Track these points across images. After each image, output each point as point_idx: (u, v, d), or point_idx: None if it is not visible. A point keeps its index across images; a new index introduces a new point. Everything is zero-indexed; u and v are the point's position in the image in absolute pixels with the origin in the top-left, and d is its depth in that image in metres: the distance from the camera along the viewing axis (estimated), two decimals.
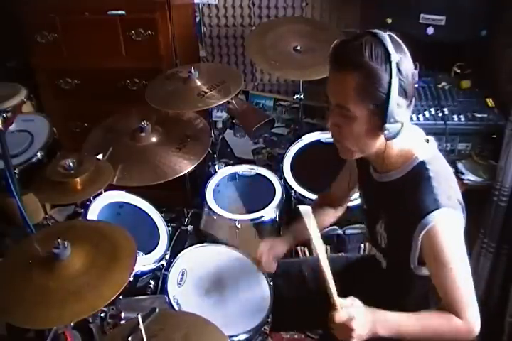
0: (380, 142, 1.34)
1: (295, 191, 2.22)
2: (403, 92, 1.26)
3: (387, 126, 1.26)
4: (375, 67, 1.22)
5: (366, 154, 1.39)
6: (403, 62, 1.25)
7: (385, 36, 1.25)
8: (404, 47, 1.29)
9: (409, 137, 1.38)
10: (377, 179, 1.46)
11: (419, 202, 1.31)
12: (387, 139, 1.30)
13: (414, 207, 1.31)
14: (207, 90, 2.18)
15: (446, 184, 1.34)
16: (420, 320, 1.34)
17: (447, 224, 1.30)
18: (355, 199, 2.15)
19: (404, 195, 1.36)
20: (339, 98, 1.29)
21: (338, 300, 1.32)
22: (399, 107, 1.26)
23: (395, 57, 1.23)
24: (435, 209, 1.29)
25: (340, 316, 1.30)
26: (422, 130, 1.46)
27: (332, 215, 1.82)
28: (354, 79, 1.24)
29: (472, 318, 1.30)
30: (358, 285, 1.65)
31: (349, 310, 1.31)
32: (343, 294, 1.64)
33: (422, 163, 1.35)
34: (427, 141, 1.43)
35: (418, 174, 1.35)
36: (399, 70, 1.24)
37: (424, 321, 1.34)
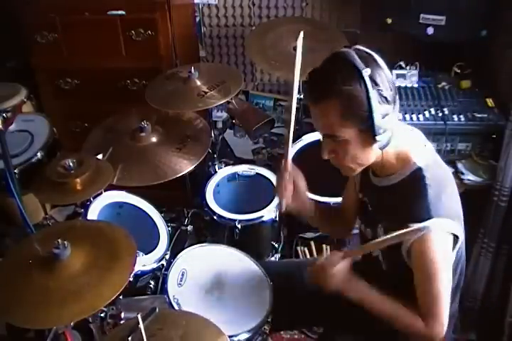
0: (375, 151, 1.36)
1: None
2: (384, 100, 1.28)
3: (378, 138, 1.29)
4: (350, 89, 1.24)
5: (367, 165, 1.40)
6: (376, 73, 1.27)
7: (351, 53, 1.27)
8: (374, 56, 1.30)
9: (406, 140, 1.39)
10: (375, 183, 1.47)
11: (413, 210, 1.32)
12: (382, 148, 1.33)
13: (407, 213, 1.33)
14: (207, 90, 2.18)
15: (442, 192, 1.34)
16: (388, 302, 1.39)
17: (436, 235, 1.30)
18: None
19: (399, 201, 1.37)
20: (326, 129, 1.33)
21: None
22: (384, 116, 1.28)
23: (365, 71, 1.24)
24: (427, 219, 1.29)
25: (324, 261, 1.41)
26: (422, 134, 1.47)
27: (342, 225, 1.79)
28: (333, 106, 1.27)
29: (434, 328, 1.34)
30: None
31: (334, 259, 1.40)
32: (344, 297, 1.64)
33: (420, 170, 1.36)
34: (424, 145, 1.44)
35: (415, 181, 1.35)
36: (374, 82, 1.26)
37: (392, 305, 1.39)
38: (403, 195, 1.36)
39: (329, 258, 1.42)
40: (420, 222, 1.29)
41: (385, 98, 1.28)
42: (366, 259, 1.64)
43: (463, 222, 1.39)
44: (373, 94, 1.25)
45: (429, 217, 1.29)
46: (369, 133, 1.29)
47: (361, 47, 1.31)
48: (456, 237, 1.36)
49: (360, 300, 1.42)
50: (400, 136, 1.37)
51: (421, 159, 1.37)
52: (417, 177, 1.35)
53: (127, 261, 1.48)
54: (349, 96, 1.25)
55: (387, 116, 1.29)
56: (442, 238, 1.32)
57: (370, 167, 1.47)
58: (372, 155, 1.36)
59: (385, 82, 1.28)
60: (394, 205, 1.39)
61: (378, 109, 1.26)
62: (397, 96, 1.33)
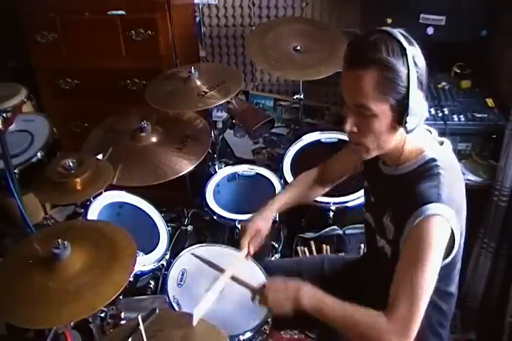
0: (397, 137, 1.34)
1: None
2: (420, 84, 1.28)
3: (408, 118, 1.27)
4: (393, 61, 1.24)
5: (383, 151, 1.38)
6: (417, 56, 1.27)
7: (397, 32, 1.27)
8: (414, 42, 1.30)
9: (422, 136, 1.40)
10: (386, 172, 1.47)
11: (422, 192, 1.30)
12: (408, 132, 1.31)
13: (416, 196, 1.31)
14: (207, 90, 2.18)
15: (454, 184, 1.34)
16: (346, 307, 1.33)
17: (439, 221, 1.27)
18: (355, 199, 2.16)
19: (410, 187, 1.34)
20: (358, 97, 1.28)
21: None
22: (418, 99, 1.28)
23: (410, 50, 1.25)
24: (435, 202, 1.28)
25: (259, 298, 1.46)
26: (436, 131, 1.46)
27: (318, 192, 1.84)
28: (373, 75, 1.25)
29: (402, 323, 1.24)
30: (358, 285, 1.66)
31: (262, 291, 1.45)
32: (343, 294, 1.65)
33: (433, 160, 1.35)
34: (442, 143, 1.43)
35: (428, 168, 1.35)
36: (415, 63, 1.26)
37: (350, 310, 1.32)
38: (414, 181, 1.34)
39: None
40: (426, 203, 1.27)
41: (421, 83, 1.28)
42: (372, 250, 1.64)
43: (464, 224, 1.38)
44: (413, 73, 1.25)
45: (436, 201, 1.28)
46: (400, 112, 1.27)
47: (404, 32, 1.29)
48: (452, 236, 1.32)
49: (318, 311, 1.35)
50: (419, 131, 1.37)
51: (434, 152, 1.37)
52: (431, 165, 1.35)
53: (127, 261, 1.48)
54: (391, 68, 1.24)
55: (420, 102, 1.28)
56: (443, 227, 1.28)
57: (382, 157, 1.46)
58: (393, 138, 1.34)
59: (423, 68, 1.28)
60: (403, 193, 1.36)
61: (415, 90, 1.26)
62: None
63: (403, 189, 1.38)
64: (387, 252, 1.49)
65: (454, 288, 1.51)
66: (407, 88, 1.25)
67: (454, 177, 1.37)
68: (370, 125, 1.30)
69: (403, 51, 1.24)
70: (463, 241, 1.41)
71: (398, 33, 1.27)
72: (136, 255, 1.52)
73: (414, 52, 1.27)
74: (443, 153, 1.40)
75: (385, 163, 1.47)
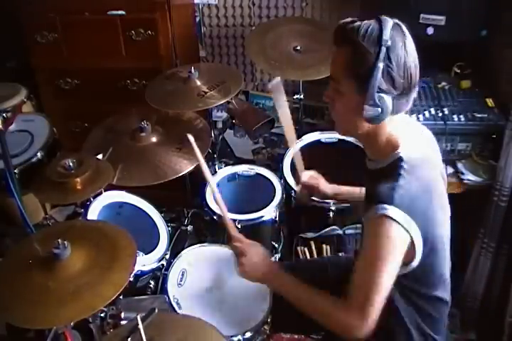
0: (364, 124, 1.36)
1: (295, 191, 2.22)
2: (390, 80, 1.28)
3: (365, 106, 1.30)
4: (363, 46, 1.27)
5: (354, 134, 1.43)
6: (396, 50, 1.27)
7: (388, 22, 1.30)
8: (408, 39, 1.31)
9: (404, 133, 1.39)
10: (368, 166, 1.49)
11: (377, 192, 1.32)
12: (367, 121, 1.33)
13: (372, 195, 1.34)
14: (207, 90, 2.18)
15: (414, 189, 1.32)
16: (311, 294, 1.40)
17: (391, 223, 1.27)
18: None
19: (374, 186, 1.36)
20: (332, 69, 1.36)
21: (234, 234, 1.60)
22: (382, 92, 1.28)
23: (386, 42, 1.26)
24: (385, 203, 1.28)
25: (231, 247, 1.57)
26: (432, 137, 1.49)
27: None
28: (344, 54, 1.31)
29: (356, 320, 1.29)
30: None
31: (243, 246, 1.53)
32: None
33: (400, 160, 1.35)
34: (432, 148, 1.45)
35: (392, 169, 1.35)
36: (388, 56, 1.26)
37: (313, 297, 1.40)
38: (379, 180, 1.35)
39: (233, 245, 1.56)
40: (377, 203, 1.29)
41: (391, 78, 1.28)
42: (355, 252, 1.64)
43: (437, 234, 1.37)
44: (380, 65, 1.26)
45: (387, 202, 1.28)
46: (360, 97, 1.30)
47: (404, 27, 1.32)
48: (412, 242, 1.31)
49: (281, 292, 1.45)
50: (399, 128, 1.38)
51: (407, 152, 1.37)
52: (395, 166, 1.35)
53: (127, 261, 1.48)
54: (358, 51, 1.27)
55: (384, 95, 1.28)
56: (396, 230, 1.28)
57: (363, 147, 1.50)
58: (361, 124, 1.36)
59: (400, 65, 1.28)
60: (370, 189, 1.41)
61: (378, 81, 1.27)
62: (412, 94, 1.34)
63: (371, 186, 1.40)
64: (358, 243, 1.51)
65: (444, 295, 1.49)
66: (369, 76, 1.27)
67: (419, 182, 1.34)
68: (338, 102, 1.37)
69: (378, 40, 1.26)
70: (443, 245, 1.40)
71: (392, 25, 1.29)
72: (136, 255, 1.52)
73: (394, 45, 1.27)
74: (418, 156, 1.38)
75: (368, 157, 1.49)
